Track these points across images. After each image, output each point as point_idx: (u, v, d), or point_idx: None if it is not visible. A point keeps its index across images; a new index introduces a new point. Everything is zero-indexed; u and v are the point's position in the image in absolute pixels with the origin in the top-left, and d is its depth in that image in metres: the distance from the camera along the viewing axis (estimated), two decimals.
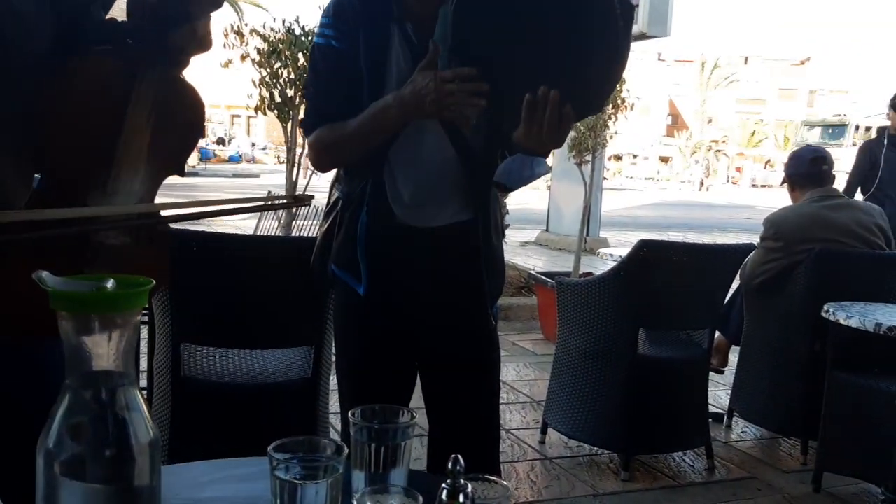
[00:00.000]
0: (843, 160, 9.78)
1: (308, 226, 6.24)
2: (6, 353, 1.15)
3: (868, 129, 28.27)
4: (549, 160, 1.62)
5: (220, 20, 4.37)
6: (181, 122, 1.23)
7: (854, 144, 25.70)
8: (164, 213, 1.23)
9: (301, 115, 4.83)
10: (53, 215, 1.02)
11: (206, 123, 1.34)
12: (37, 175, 1.20)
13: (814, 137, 33.26)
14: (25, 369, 1.12)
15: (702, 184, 37.71)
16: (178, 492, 0.99)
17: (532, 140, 1.41)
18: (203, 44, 1.18)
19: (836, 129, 35.38)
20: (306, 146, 1.70)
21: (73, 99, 1.13)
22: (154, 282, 0.79)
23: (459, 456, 0.74)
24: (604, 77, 1.42)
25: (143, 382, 2.76)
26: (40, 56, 1.17)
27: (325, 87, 1.63)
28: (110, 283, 0.76)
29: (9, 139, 1.12)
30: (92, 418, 0.74)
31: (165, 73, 1.16)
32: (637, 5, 1.55)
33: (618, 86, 3.29)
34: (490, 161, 1.62)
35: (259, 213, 5.57)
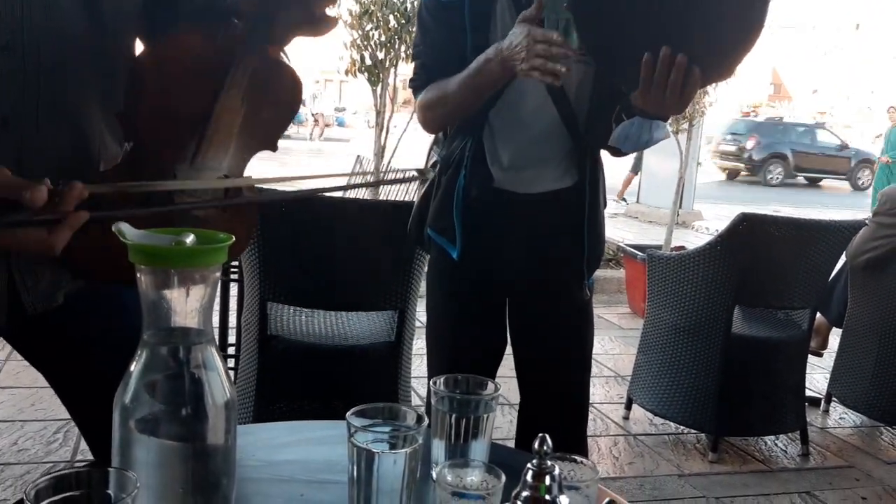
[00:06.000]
0: None
1: (394, 190, 6.26)
2: (91, 297, 1.15)
3: None
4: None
5: None
6: (277, 103, 1.19)
7: None
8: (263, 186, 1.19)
9: (391, 78, 4.83)
10: (147, 188, 1.00)
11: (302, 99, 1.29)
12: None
13: None
14: (110, 311, 1.12)
15: None
16: (254, 453, 0.98)
17: (652, 103, 1.30)
18: (316, 27, 1.11)
19: None
20: (416, 107, 1.64)
21: (166, 71, 1.11)
22: (234, 238, 0.76)
23: (547, 436, 0.69)
24: (738, 40, 1.28)
25: (233, 339, 2.83)
26: (129, 17, 1.15)
27: (433, 45, 1.57)
28: (190, 238, 0.74)
29: (101, 99, 1.12)
30: (168, 375, 0.73)
31: (266, 53, 1.12)
32: None
33: None
34: (598, 126, 1.53)
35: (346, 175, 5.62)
